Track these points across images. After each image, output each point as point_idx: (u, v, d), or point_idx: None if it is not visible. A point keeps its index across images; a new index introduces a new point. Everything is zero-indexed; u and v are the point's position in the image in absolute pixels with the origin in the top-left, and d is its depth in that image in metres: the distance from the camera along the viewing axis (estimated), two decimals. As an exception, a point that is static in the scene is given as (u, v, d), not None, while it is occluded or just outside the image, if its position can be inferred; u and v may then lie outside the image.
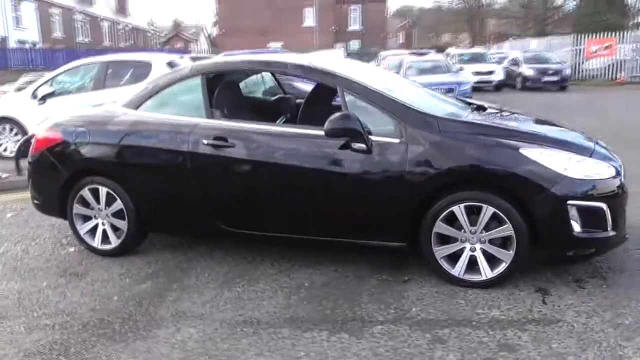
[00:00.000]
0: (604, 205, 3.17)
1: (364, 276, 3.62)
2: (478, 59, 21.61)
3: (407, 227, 3.38)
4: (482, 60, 21.64)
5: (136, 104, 4.02)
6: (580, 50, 24.61)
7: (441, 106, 3.78)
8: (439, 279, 3.47)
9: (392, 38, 59.99)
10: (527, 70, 20.65)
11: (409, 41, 66.17)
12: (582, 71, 24.33)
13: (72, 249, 4.35)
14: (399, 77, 4.40)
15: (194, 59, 10.52)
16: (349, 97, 3.52)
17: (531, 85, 20.19)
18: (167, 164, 3.77)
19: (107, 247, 4.10)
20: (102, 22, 48.15)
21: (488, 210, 3.21)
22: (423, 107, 3.49)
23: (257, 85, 5.41)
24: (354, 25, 49.07)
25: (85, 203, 4.07)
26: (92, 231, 4.13)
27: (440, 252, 3.38)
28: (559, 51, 24.97)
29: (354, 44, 46.56)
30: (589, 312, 3.02)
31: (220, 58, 6.97)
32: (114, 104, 4.35)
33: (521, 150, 3.18)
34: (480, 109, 3.93)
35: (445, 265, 3.39)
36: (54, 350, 2.87)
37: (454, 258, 3.39)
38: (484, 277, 3.33)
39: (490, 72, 20.35)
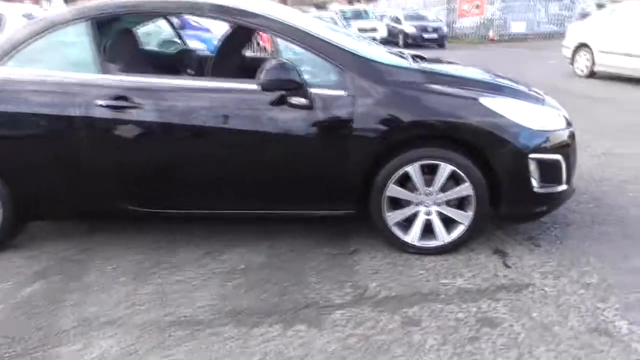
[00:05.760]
0: (560, 157, 2.97)
1: (305, 251, 3.16)
2: (361, 16, 21.60)
3: (355, 192, 2.96)
4: (365, 17, 21.70)
5: (-3, 57, 3.10)
6: (453, 8, 25.52)
7: (382, 54, 3.35)
8: (389, 247, 3.12)
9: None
10: (408, 27, 21.04)
11: (284, -1, 65.24)
12: (456, 29, 25.33)
13: None
14: (321, 22, 3.87)
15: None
16: (282, 44, 2.96)
17: (412, 42, 20.62)
18: (52, 134, 2.97)
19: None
20: None
21: (446, 169, 2.87)
22: (369, 54, 3.03)
23: (152, 36, 4.62)
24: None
25: None
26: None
27: (393, 217, 3.01)
28: (433, 9, 25.77)
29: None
30: (554, 273, 2.83)
31: None
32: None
33: (481, 100, 2.86)
34: (420, 58, 3.56)
35: (398, 232, 3.03)
36: None
37: (406, 223, 3.05)
38: (440, 242, 3.02)
39: (374, 29, 20.43)
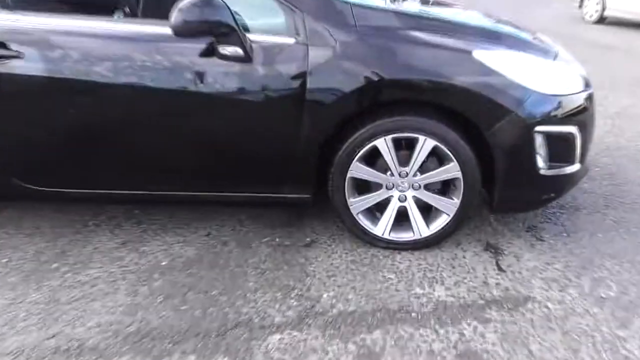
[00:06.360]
0: (574, 130, 2.29)
1: (248, 241, 2.53)
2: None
3: (311, 172, 2.29)
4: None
5: None
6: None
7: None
8: (354, 239, 2.49)
9: None
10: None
11: None
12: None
13: None
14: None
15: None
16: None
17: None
18: None
19: None
20: None
21: (426, 144, 2.20)
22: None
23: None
24: None
25: None
26: None
27: (358, 204, 2.36)
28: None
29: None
30: (560, 281, 2.21)
31: None
32: None
33: (474, 54, 2.14)
34: (400, -6, 2.81)
35: (365, 222, 2.39)
36: None
37: (376, 211, 2.41)
38: (417, 236, 2.39)
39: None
